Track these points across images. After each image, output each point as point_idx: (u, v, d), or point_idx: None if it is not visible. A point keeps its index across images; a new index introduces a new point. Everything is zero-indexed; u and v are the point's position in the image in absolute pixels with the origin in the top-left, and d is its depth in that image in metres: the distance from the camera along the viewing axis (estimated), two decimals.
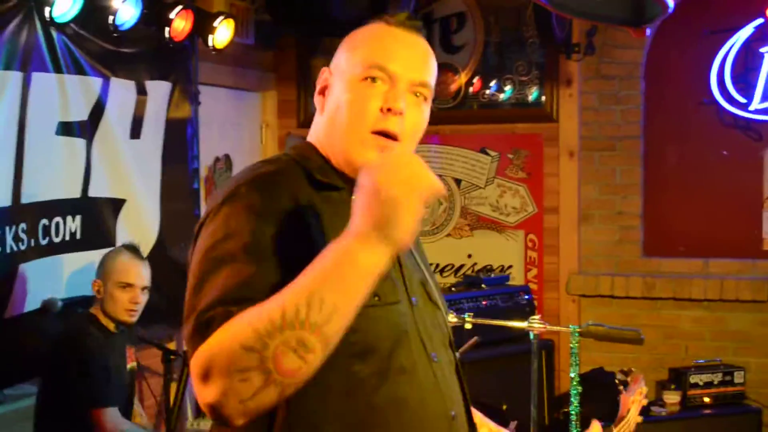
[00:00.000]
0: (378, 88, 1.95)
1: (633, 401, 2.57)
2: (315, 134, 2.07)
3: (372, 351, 1.87)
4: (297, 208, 1.87)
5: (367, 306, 1.74)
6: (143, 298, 4.47)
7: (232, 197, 1.84)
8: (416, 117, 1.98)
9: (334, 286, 1.61)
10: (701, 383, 5.84)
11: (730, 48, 6.30)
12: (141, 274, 4.47)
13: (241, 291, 1.69)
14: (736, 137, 6.38)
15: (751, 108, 6.28)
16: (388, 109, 1.92)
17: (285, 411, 1.80)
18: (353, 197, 1.65)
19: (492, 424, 2.41)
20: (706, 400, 5.81)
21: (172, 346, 5.69)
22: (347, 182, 1.94)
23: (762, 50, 6.23)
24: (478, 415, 2.30)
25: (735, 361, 5.92)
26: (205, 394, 1.62)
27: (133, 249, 4.59)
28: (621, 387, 2.74)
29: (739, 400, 5.82)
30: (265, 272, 1.72)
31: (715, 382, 5.85)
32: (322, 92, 2.07)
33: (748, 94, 6.27)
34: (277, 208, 1.83)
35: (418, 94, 1.98)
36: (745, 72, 6.26)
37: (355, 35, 2.08)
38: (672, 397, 5.59)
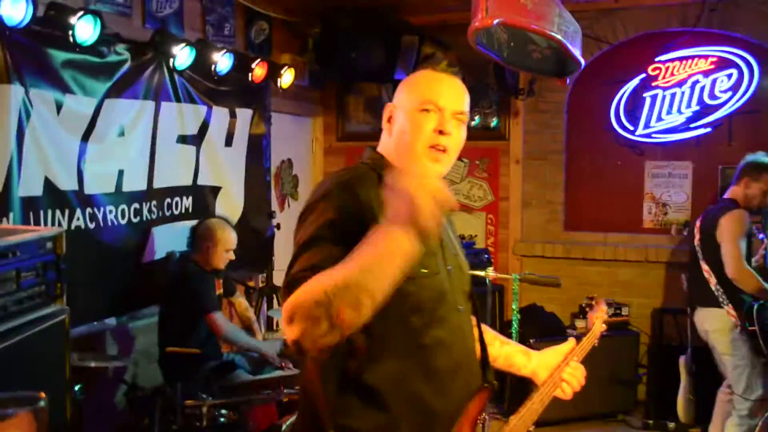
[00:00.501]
0: (431, 117, 1.98)
1: (597, 317, 2.60)
2: (385, 150, 2.08)
3: (421, 307, 1.90)
4: (370, 204, 1.85)
5: (419, 277, 1.87)
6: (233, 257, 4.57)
7: (326, 196, 1.88)
8: (458, 135, 2.01)
9: (378, 259, 1.61)
10: None
11: (624, 92, 6.32)
12: (235, 241, 4.56)
13: (321, 263, 1.70)
14: (626, 152, 6.39)
15: (636, 133, 6.30)
16: (440, 131, 1.96)
17: (362, 348, 1.84)
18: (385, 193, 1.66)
19: (501, 337, 2.41)
20: (603, 326, 5.86)
21: (251, 283, 5.79)
22: None
23: (644, 95, 6.26)
24: (489, 332, 2.34)
25: (623, 301, 5.94)
26: (289, 333, 1.65)
27: (223, 219, 4.70)
28: (587, 309, 2.75)
29: (624, 326, 5.87)
30: (341, 251, 1.69)
31: (609, 314, 5.90)
32: (389, 120, 2.07)
33: (635, 124, 6.29)
34: (356, 205, 1.85)
35: (458, 119, 2.01)
36: (633, 109, 6.29)
37: (412, 80, 2.10)
38: (581, 323, 5.63)
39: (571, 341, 2.36)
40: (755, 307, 4.41)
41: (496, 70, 6.37)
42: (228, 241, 4.50)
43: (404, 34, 6.23)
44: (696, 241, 4.78)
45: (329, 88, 6.98)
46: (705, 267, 4.64)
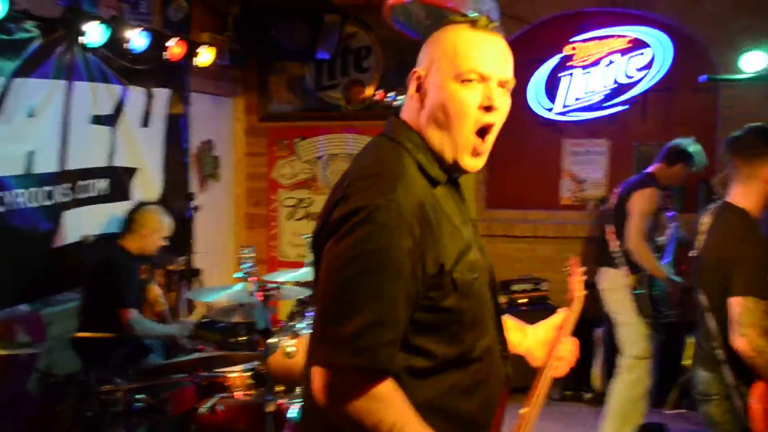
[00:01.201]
0: (473, 88, 1.68)
1: (577, 281, 2.44)
2: (415, 122, 1.77)
3: (475, 322, 1.75)
4: (423, 216, 1.63)
5: (471, 285, 1.71)
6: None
7: (378, 209, 1.58)
8: (505, 106, 1.75)
9: None
10: (520, 290, 6.03)
11: (542, 71, 6.44)
12: (168, 225, 4.55)
13: (385, 316, 1.57)
14: (545, 131, 6.51)
15: (553, 112, 6.43)
16: (488, 107, 1.70)
17: (419, 369, 1.68)
18: None
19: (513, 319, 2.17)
20: (524, 300, 6.01)
21: (171, 267, 5.70)
22: (446, 171, 1.77)
23: (560, 75, 6.38)
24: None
25: (542, 276, 6.07)
26: (330, 403, 1.58)
27: (157, 206, 4.67)
28: (568, 274, 2.72)
29: (543, 301, 6.01)
30: (405, 288, 1.58)
31: (529, 289, 6.04)
32: (417, 89, 1.78)
33: (553, 102, 6.42)
34: (410, 226, 1.60)
35: (504, 87, 1.74)
36: (551, 87, 6.40)
37: (444, 40, 1.76)
38: (502, 299, 5.73)
39: (561, 312, 2.25)
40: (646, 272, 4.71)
41: (417, 49, 6.39)
42: (165, 228, 4.48)
43: (326, 13, 6.18)
44: (610, 205, 4.99)
45: (250, 67, 6.87)
46: (609, 229, 4.85)
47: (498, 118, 1.75)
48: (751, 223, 3.05)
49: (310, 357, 1.65)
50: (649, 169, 4.94)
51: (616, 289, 4.81)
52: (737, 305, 2.92)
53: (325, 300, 1.62)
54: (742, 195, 3.09)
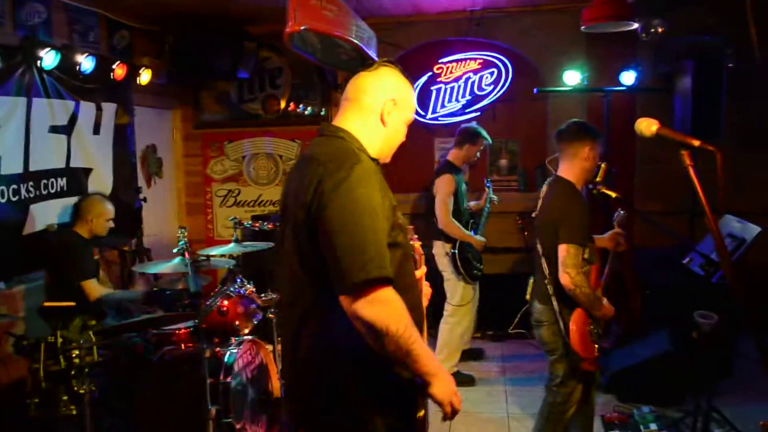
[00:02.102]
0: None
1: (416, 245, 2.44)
2: (367, 135, 1.97)
3: (407, 255, 1.91)
4: (379, 175, 1.84)
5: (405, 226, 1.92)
6: (109, 224, 4.35)
7: (362, 182, 1.75)
8: None
9: (428, 360, 1.77)
10: None
11: (417, 86, 6.49)
12: (110, 209, 4.34)
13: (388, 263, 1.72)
14: (421, 132, 6.56)
15: (427, 117, 6.48)
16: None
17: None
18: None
19: None
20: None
21: (125, 247, 5.52)
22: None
23: (431, 88, 6.45)
24: None
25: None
26: (369, 312, 1.67)
27: (101, 194, 4.46)
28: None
29: None
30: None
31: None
32: (384, 112, 1.98)
33: (426, 110, 6.47)
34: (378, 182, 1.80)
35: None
36: (424, 98, 6.44)
37: (410, 93, 2.08)
38: None
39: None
40: (456, 243, 4.83)
41: (318, 70, 6.36)
42: (108, 211, 4.30)
43: (245, 40, 6.09)
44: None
45: (186, 85, 6.68)
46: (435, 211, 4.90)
47: None
48: (575, 191, 3.21)
49: (339, 288, 1.71)
50: (447, 157, 5.05)
51: (441, 254, 4.89)
52: (563, 251, 3.06)
53: (342, 243, 1.69)
54: (567, 171, 3.25)
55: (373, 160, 1.94)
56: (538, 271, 3.30)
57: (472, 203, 5.24)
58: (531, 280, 3.45)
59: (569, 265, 3.04)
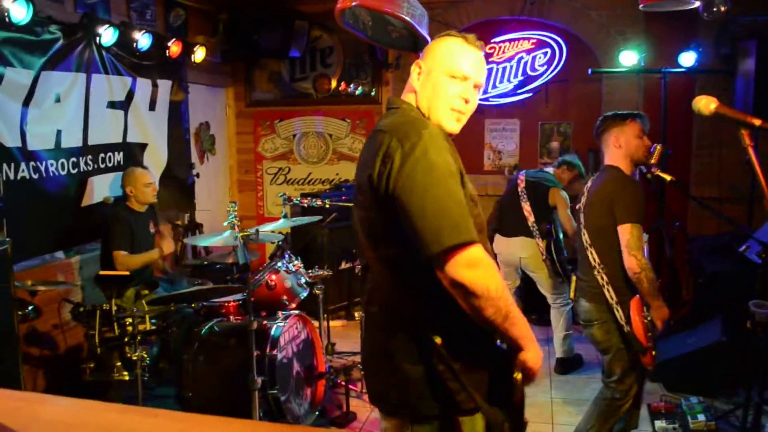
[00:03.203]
0: (456, 83, 1.84)
1: None
2: (414, 97, 1.89)
3: (482, 227, 1.85)
4: (448, 141, 1.79)
5: (476, 196, 1.86)
6: (154, 189, 4.39)
7: (435, 149, 1.68)
8: (475, 102, 1.90)
9: (522, 325, 1.73)
10: None
11: None
12: (148, 175, 4.39)
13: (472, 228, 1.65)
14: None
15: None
16: (465, 100, 1.86)
17: None
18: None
19: None
20: None
21: (179, 222, 5.66)
22: None
23: None
24: None
25: None
26: (464, 276, 1.60)
27: (142, 166, 4.56)
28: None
29: None
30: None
31: None
32: (412, 79, 1.91)
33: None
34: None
35: (477, 88, 1.91)
36: None
37: (446, 46, 1.89)
38: None
39: None
40: (552, 242, 4.76)
41: (370, 49, 6.34)
42: (143, 176, 4.33)
43: (297, 19, 6.11)
44: (521, 188, 4.86)
45: (238, 63, 6.77)
46: (527, 207, 4.78)
47: (469, 109, 1.89)
48: (623, 173, 3.10)
49: (429, 256, 1.62)
50: (549, 170, 5.02)
51: (535, 255, 4.76)
52: (626, 232, 2.91)
53: (425, 209, 1.61)
54: (612, 159, 3.15)
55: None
56: (583, 264, 3.17)
57: None
58: (573, 278, 3.35)
59: (634, 246, 2.87)
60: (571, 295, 3.35)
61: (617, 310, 3.02)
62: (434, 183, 1.62)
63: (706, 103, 1.86)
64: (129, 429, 0.72)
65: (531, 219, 4.75)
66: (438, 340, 1.71)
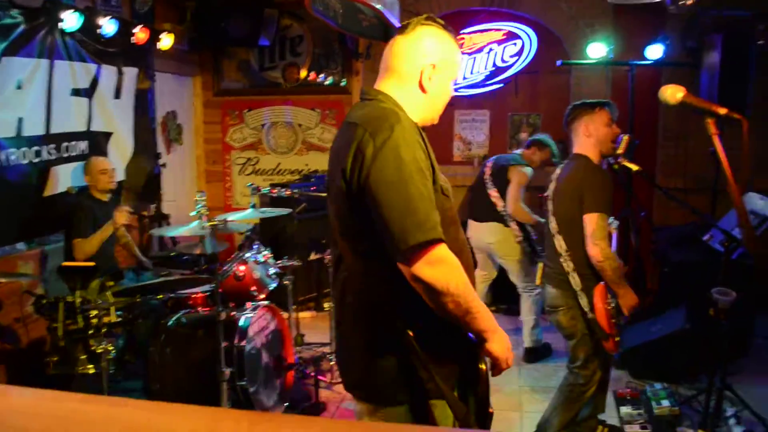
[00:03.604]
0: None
1: None
2: (404, 100, 1.83)
3: (454, 220, 1.87)
4: (420, 135, 1.75)
5: (448, 190, 1.84)
6: (112, 175, 4.32)
7: (405, 143, 1.66)
8: None
9: (484, 317, 1.76)
10: None
11: None
12: (109, 164, 4.32)
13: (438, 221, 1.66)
14: None
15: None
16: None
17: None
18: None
19: None
20: None
21: (145, 212, 5.55)
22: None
23: None
24: None
25: None
26: (429, 273, 1.63)
27: (102, 154, 4.49)
28: None
29: None
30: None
31: None
32: (423, 78, 1.83)
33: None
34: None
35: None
36: None
37: (454, 49, 1.89)
38: None
39: None
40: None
41: (340, 37, 6.30)
42: (98, 163, 4.27)
43: (266, 7, 6.05)
44: (486, 176, 4.88)
45: (206, 52, 6.67)
46: (493, 194, 4.79)
47: None
48: (593, 163, 3.13)
49: (395, 252, 1.64)
50: (518, 152, 4.97)
51: (506, 240, 4.78)
52: (592, 221, 2.95)
53: (393, 205, 1.62)
54: (580, 148, 3.18)
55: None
56: (550, 251, 3.21)
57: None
58: (540, 265, 3.39)
59: (599, 236, 2.92)
60: (538, 281, 3.40)
61: (581, 297, 3.07)
62: (403, 180, 1.63)
63: (672, 93, 1.89)
64: (89, 419, 0.70)
65: (500, 204, 4.76)
66: (410, 332, 1.74)
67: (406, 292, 1.72)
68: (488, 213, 4.82)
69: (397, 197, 1.62)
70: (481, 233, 4.86)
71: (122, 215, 4.16)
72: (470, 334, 1.85)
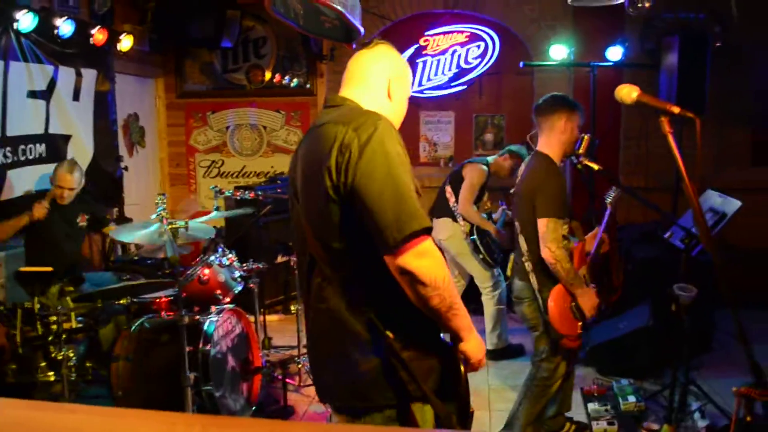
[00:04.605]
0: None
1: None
2: (379, 108, 1.87)
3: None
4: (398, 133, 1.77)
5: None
6: (68, 194, 4.19)
7: (393, 143, 1.69)
8: None
9: (462, 318, 1.76)
10: None
11: (403, 57, 6.39)
12: (70, 179, 4.19)
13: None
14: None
15: (412, 90, 6.42)
16: None
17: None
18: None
19: None
20: None
21: (108, 216, 5.43)
22: None
23: (417, 60, 6.36)
24: None
25: None
26: (416, 263, 1.62)
27: (71, 163, 4.34)
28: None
29: None
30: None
31: None
32: (391, 88, 1.93)
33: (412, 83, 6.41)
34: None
35: None
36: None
37: (405, 64, 2.04)
38: None
39: None
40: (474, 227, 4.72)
41: (304, 39, 6.27)
42: (70, 181, 4.16)
43: (228, 9, 5.98)
44: (448, 173, 4.92)
45: (168, 53, 6.57)
46: (448, 189, 4.79)
47: None
48: (552, 164, 3.14)
49: (384, 244, 1.63)
50: (488, 158, 4.94)
51: (456, 236, 4.74)
52: (543, 225, 3.00)
53: (384, 198, 1.62)
54: (546, 145, 3.20)
55: None
56: (517, 248, 3.26)
57: (494, 215, 5.09)
58: (511, 257, 3.42)
59: (549, 239, 2.98)
60: (508, 272, 3.43)
61: (538, 297, 3.12)
62: (392, 173, 1.64)
63: (628, 92, 1.91)
64: (35, 426, 0.67)
65: (452, 200, 4.74)
66: (390, 334, 1.72)
67: (386, 294, 1.72)
68: (441, 209, 4.81)
69: (387, 191, 1.62)
70: (436, 230, 4.84)
71: (40, 209, 4.06)
72: (443, 337, 1.85)
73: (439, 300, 1.68)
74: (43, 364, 3.30)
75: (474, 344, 1.82)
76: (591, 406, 3.84)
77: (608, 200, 3.40)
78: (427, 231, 1.65)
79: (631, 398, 3.84)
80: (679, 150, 1.77)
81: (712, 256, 1.78)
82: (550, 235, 2.99)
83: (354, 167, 1.65)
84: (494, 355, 4.76)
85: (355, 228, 1.69)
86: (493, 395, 4.20)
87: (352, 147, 1.65)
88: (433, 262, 1.66)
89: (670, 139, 1.78)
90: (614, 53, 5.60)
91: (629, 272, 4.93)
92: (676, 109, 1.78)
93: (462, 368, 1.86)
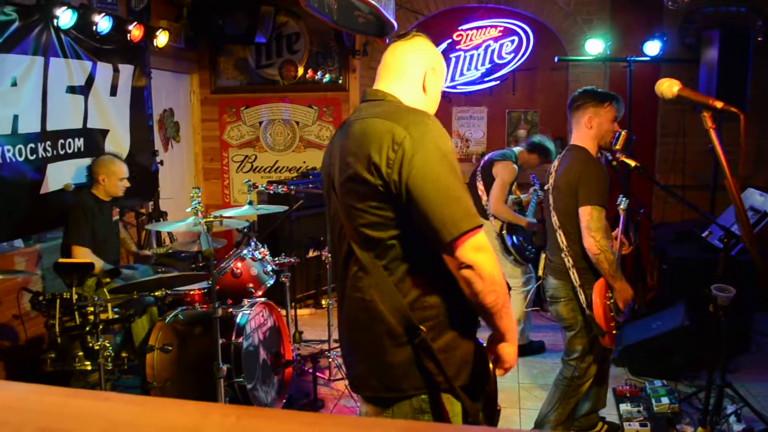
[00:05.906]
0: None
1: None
2: (413, 101, 1.88)
3: None
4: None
5: None
6: (126, 183, 4.29)
7: (442, 142, 1.68)
8: None
9: (507, 317, 1.77)
10: None
11: None
12: (125, 169, 4.29)
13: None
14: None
15: (445, 86, 6.40)
16: None
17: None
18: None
19: None
20: None
21: (142, 210, 5.53)
22: None
23: (450, 55, 6.32)
24: None
25: None
26: (474, 257, 1.64)
27: (114, 154, 4.43)
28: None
29: None
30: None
31: None
32: (426, 80, 1.90)
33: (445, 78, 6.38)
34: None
35: None
36: None
37: (441, 57, 1.99)
38: None
39: None
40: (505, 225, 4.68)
41: (336, 35, 6.28)
42: (120, 171, 4.24)
43: (262, 5, 6.02)
44: (477, 169, 4.85)
45: (203, 49, 6.65)
46: (480, 186, 4.75)
47: None
48: (589, 155, 3.10)
49: (442, 240, 1.65)
50: (513, 149, 4.88)
51: (488, 234, 4.72)
52: (586, 213, 2.94)
53: (441, 195, 1.64)
54: (578, 139, 3.16)
55: None
56: (552, 245, 3.20)
57: (523, 196, 5.08)
58: (543, 256, 3.37)
59: (593, 228, 2.91)
60: (540, 272, 3.38)
61: (580, 293, 3.07)
62: (447, 170, 1.65)
63: (669, 86, 1.86)
64: (71, 413, 0.68)
65: (484, 198, 4.71)
66: (423, 328, 1.72)
67: (422, 288, 1.73)
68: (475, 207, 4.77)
69: (443, 188, 1.64)
70: None
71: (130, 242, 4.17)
72: (480, 339, 1.85)
73: (494, 297, 1.69)
74: (80, 353, 3.36)
75: (513, 349, 1.84)
76: (623, 406, 3.79)
77: (621, 206, 3.34)
78: (481, 226, 1.67)
79: (665, 400, 3.77)
80: (720, 143, 1.73)
81: (752, 256, 1.74)
82: (594, 224, 2.93)
83: (408, 165, 1.64)
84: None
85: (397, 222, 1.70)
86: (523, 393, 4.17)
87: (405, 145, 1.65)
88: (490, 257, 1.68)
89: (713, 134, 1.73)
90: (652, 48, 5.50)
91: (664, 272, 4.84)
92: (719, 104, 1.73)
93: (491, 366, 1.86)
